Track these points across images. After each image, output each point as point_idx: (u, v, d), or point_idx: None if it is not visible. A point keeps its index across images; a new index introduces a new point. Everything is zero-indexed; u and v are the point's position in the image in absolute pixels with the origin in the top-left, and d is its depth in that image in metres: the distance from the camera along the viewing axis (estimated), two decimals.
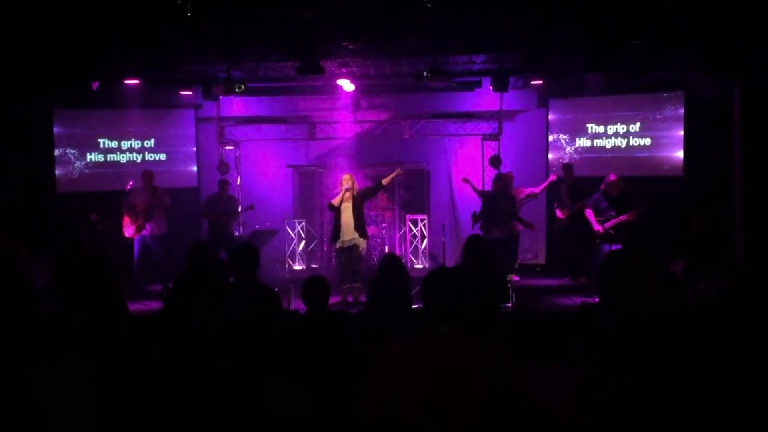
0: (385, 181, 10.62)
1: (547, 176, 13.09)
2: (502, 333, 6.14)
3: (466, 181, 12.14)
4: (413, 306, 6.48)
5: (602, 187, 10.39)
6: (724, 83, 10.92)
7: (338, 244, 10.50)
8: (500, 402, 3.08)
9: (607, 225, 10.03)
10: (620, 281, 6.63)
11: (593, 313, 7.74)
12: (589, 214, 10.31)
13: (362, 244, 10.51)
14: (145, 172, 11.67)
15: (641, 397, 4.23)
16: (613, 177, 10.34)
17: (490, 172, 13.15)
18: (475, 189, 12.06)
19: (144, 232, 11.25)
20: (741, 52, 9.78)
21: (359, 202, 10.46)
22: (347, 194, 10.36)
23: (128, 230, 11.23)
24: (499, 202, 11.33)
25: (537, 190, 12.09)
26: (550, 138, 13.55)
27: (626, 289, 6.41)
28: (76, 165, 13.44)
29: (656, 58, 10.76)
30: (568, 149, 13.41)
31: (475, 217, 11.58)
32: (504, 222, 11.30)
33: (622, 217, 9.91)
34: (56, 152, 13.29)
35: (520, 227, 11.87)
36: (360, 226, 10.40)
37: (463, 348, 3.18)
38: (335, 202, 10.44)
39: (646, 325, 4.68)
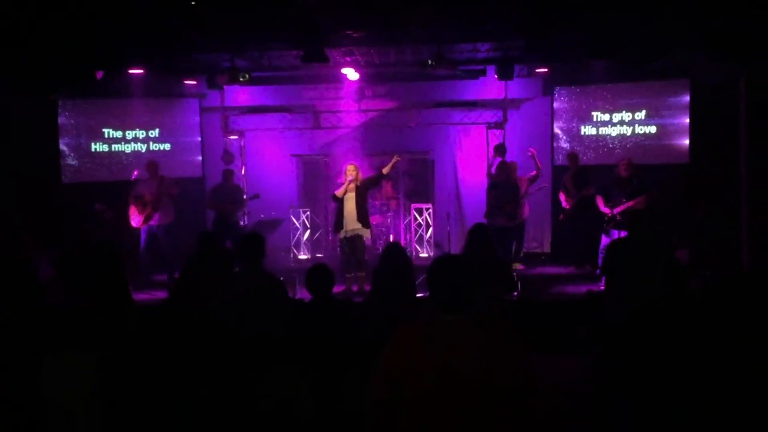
0: (385, 170, 10.61)
1: (552, 162, 13.14)
2: (508, 321, 6.15)
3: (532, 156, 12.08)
4: (417, 294, 6.48)
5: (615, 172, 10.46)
6: (729, 70, 10.87)
7: (341, 234, 10.50)
8: (509, 388, 3.08)
9: (616, 210, 10.04)
10: (626, 269, 6.64)
11: (599, 301, 7.75)
12: (599, 199, 10.37)
13: (365, 233, 10.51)
14: (150, 162, 11.67)
15: (648, 384, 4.24)
16: (622, 159, 10.45)
17: (496, 161, 13.10)
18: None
19: (151, 222, 11.24)
20: (746, 38, 9.73)
21: (362, 192, 10.43)
22: (351, 185, 10.34)
23: (135, 220, 11.20)
24: (503, 189, 11.32)
25: (533, 172, 12.06)
26: (555, 126, 13.49)
27: (632, 277, 6.42)
28: (80, 155, 13.43)
29: (661, 45, 10.70)
30: (574, 137, 13.35)
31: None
32: (508, 209, 11.29)
33: (631, 203, 9.91)
34: (61, 142, 13.28)
35: (525, 215, 11.89)
36: (363, 216, 10.38)
37: (469, 335, 3.17)
38: (339, 193, 10.43)
39: (652, 313, 4.69)
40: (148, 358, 3.84)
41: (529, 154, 12.04)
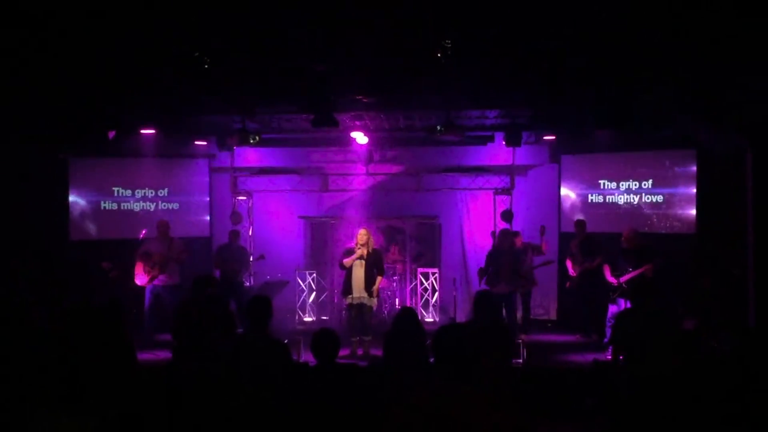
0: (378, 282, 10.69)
1: (559, 229, 13.13)
2: (514, 389, 6.09)
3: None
4: (429, 360, 6.45)
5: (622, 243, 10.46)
6: (736, 141, 10.93)
7: (348, 300, 10.53)
8: None
9: (622, 279, 10.04)
10: (633, 340, 6.59)
11: (606, 370, 7.68)
12: (606, 268, 10.38)
13: (372, 303, 10.52)
14: (161, 222, 11.71)
15: None
16: (628, 229, 10.44)
17: (502, 227, 13.12)
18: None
19: (156, 282, 11.23)
20: (753, 110, 9.80)
21: (371, 264, 10.46)
22: (360, 250, 10.38)
23: (141, 279, 11.20)
24: (501, 257, 11.30)
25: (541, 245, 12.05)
26: (562, 193, 13.55)
27: (640, 348, 6.37)
28: (89, 213, 13.48)
29: (668, 116, 10.79)
30: (581, 204, 13.38)
31: (481, 272, 11.58)
32: (508, 277, 11.23)
33: (636, 272, 9.91)
34: (70, 200, 13.33)
35: (537, 283, 11.92)
36: (370, 286, 10.42)
37: (474, 404, 3.15)
38: (347, 263, 10.50)
39: (659, 384, 4.65)
40: (149, 420, 3.81)
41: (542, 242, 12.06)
